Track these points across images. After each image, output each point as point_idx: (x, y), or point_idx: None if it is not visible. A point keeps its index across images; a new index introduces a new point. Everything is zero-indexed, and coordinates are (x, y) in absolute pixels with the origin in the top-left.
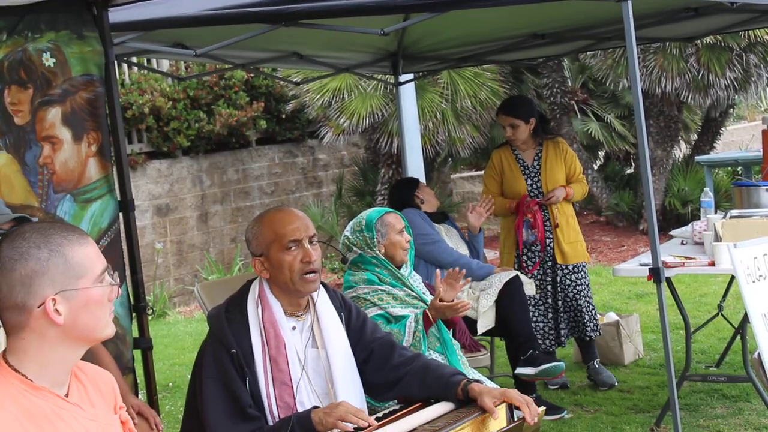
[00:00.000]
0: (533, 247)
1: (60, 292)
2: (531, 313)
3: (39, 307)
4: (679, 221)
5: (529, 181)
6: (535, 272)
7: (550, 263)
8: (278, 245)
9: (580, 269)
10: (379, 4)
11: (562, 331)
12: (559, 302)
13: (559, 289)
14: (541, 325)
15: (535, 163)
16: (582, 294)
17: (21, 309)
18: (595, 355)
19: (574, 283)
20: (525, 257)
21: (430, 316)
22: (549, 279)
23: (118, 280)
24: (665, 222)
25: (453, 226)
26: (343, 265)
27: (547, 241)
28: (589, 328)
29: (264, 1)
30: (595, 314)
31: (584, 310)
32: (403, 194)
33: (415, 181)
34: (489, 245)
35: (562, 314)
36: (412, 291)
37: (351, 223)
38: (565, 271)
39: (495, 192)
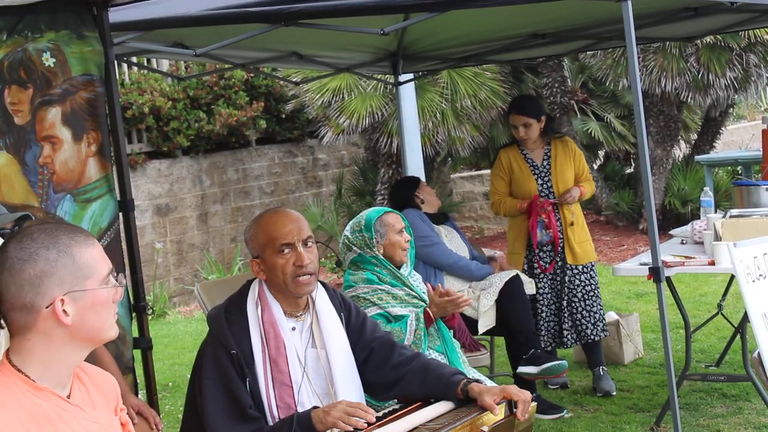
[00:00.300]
0: (545, 248)
1: (68, 292)
2: (543, 312)
3: (47, 307)
4: (679, 221)
5: (540, 181)
6: (549, 273)
7: (560, 263)
8: (271, 248)
9: (589, 269)
10: (379, 4)
11: (566, 332)
12: (564, 302)
13: (567, 289)
14: (552, 324)
15: (545, 163)
16: (590, 294)
17: (29, 309)
18: (601, 360)
19: (583, 283)
20: (538, 257)
21: (431, 314)
22: (559, 279)
23: (123, 282)
24: (665, 221)
25: (453, 227)
26: (340, 267)
27: (559, 241)
28: (597, 329)
29: (264, 1)
30: (603, 315)
31: (593, 309)
32: (403, 194)
33: (415, 181)
34: (490, 245)
35: (567, 315)
36: (412, 290)
37: (351, 222)
38: (575, 271)
39: (503, 192)
